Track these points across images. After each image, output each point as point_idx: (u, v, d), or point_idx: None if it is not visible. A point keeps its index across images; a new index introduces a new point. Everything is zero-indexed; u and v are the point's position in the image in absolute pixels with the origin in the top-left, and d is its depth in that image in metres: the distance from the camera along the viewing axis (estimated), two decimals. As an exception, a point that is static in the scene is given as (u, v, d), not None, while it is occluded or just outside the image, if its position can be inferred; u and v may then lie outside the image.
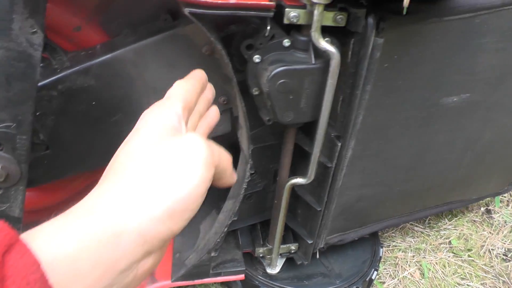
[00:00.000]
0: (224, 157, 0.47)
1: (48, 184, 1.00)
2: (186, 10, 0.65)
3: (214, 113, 0.62)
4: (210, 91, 0.61)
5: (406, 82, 0.90)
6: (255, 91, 0.80)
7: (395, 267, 1.38)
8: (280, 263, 1.16)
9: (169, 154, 0.40)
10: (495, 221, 1.58)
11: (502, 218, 1.59)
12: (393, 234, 1.49)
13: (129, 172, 0.39)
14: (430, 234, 1.51)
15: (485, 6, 0.85)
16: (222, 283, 1.25)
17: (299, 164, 0.97)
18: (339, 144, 0.89)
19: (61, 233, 0.33)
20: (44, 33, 0.63)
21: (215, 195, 1.25)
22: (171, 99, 0.48)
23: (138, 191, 0.37)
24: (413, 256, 1.42)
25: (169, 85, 0.87)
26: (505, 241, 1.51)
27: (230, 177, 0.50)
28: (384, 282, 1.33)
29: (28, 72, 0.63)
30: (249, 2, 0.67)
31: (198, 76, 0.57)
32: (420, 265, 1.40)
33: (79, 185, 1.11)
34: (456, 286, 1.34)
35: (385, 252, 1.42)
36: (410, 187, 1.18)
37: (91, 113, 0.85)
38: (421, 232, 1.51)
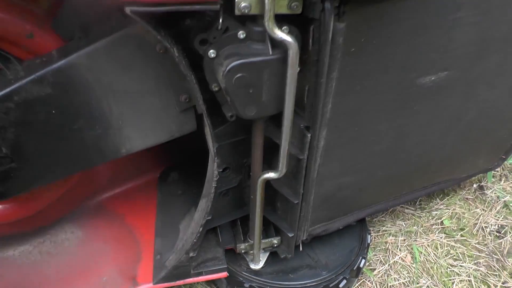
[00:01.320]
0: None
1: (19, 196, 0.98)
2: (128, 9, 0.61)
3: None
4: None
5: (378, 65, 0.86)
6: (214, 87, 0.77)
7: (386, 253, 1.35)
8: (263, 257, 1.13)
9: None
10: (488, 197, 1.54)
11: (495, 193, 1.56)
12: (383, 218, 1.46)
13: None
14: (421, 215, 1.48)
15: (457, -22, 0.81)
16: (207, 282, 1.22)
17: (273, 158, 0.93)
18: (309, 135, 0.85)
19: None
20: None
21: (194, 192, 1.22)
22: None
23: None
24: (404, 240, 1.39)
25: (128, 87, 0.84)
26: (498, 217, 1.48)
27: None
28: (374, 269, 1.30)
29: None
30: (193, -5, 0.62)
31: None
32: (411, 248, 1.37)
33: (53, 195, 1.09)
34: (449, 268, 1.31)
35: (374, 237, 1.39)
36: (393, 171, 1.14)
37: (52, 122, 0.82)
38: (412, 214, 1.48)
